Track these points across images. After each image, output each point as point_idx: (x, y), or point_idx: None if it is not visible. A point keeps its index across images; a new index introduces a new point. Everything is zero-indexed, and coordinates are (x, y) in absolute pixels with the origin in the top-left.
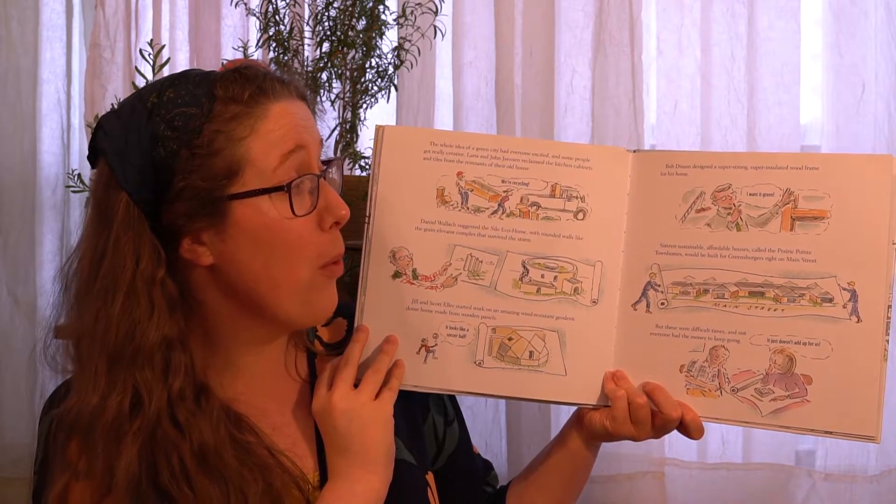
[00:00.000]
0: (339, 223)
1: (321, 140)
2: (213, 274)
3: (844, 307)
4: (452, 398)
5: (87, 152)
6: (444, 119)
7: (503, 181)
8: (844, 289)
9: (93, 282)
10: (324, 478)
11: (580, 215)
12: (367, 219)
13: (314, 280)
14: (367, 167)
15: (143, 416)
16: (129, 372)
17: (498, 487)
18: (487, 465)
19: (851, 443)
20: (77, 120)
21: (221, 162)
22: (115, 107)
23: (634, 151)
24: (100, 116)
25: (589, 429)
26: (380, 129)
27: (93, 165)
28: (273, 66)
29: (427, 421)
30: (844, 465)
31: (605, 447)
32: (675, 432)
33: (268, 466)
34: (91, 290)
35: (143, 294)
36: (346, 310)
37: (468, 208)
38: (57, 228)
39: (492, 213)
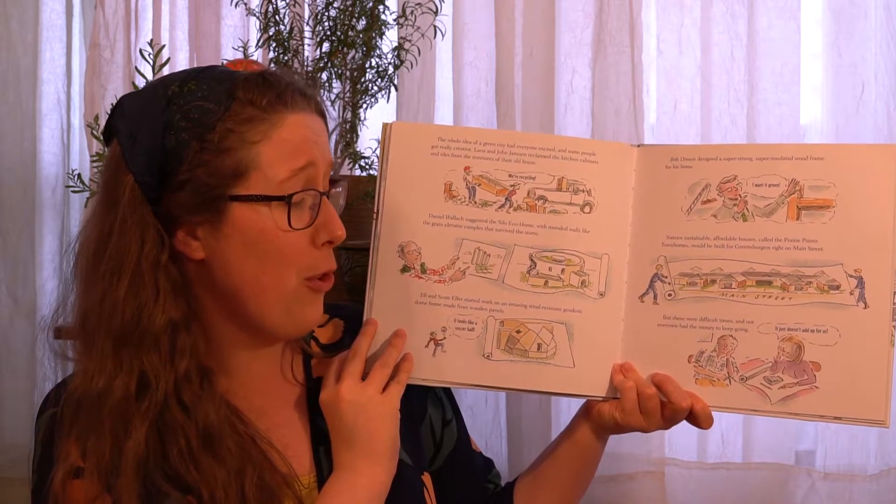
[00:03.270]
0: (333, 243)
1: (332, 161)
2: (202, 269)
3: (851, 294)
4: (450, 397)
5: (86, 152)
6: (444, 119)
7: (510, 175)
8: (851, 276)
9: (99, 262)
10: (319, 478)
11: (587, 208)
12: (375, 214)
13: (300, 291)
14: (367, 167)
15: (150, 398)
16: (135, 354)
17: (503, 485)
18: (488, 463)
19: (851, 442)
20: (77, 120)
21: (229, 161)
22: (138, 87)
23: (639, 146)
24: (117, 100)
25: (598, 421)
26: (387, 126)
27: (106, 143)
28: (273, 67)
29: (424, 422)
30: (844, 465)
31: (606, 447)
32: (677, 428)
33: (257, 461)
34: (97, 271)
35: (148, 277)
36: (343, 311)
37: (475, 202)
38: (57, 228)
39: (499, 207)
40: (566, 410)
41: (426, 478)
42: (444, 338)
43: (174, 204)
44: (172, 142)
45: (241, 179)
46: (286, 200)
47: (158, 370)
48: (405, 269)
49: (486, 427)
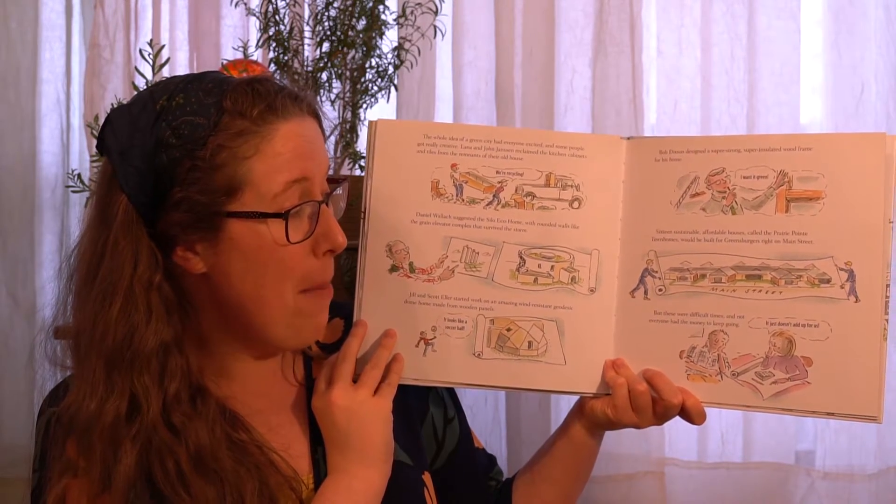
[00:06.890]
0: (334, 252)
1: (328, 162)
2: (204, 282)
3: (842, 287)
4: (453, 395)
5: (86, 152)
6: (444, 119)
7: (497, 172)
8: (842, 269)
9: (91, 282)
10: (317, 479)
11: (575, 204)
12: (362, 213)
13: (298, 304)
14: None
15: (140, 421)
16: (126, 376)
17: (503, 481)
18: (491, 460)
19: (850, 442)
20: (77, 120)
21: (222, 178)
22: (126, 101)
23: (629, 139)
24: (108, 111)
25: (591, 417)
26: (373, 124)
27: (101, 154)
28: (273, 67)
29: (426, 421)
30: (843, 465)
31: (605, 447)
32: (677, 428)
33: (261, 465)
34: (90, 291)
35: (140, 298)
36: (343, 310)
37: (463, 200)
38: (56, 229)
39: (487, 205)
40: (566, 410)
41: (426, 477)
42: (435, 337)
43: (169, 223)
44: (164, 160)
45: (235, 196)
46: (282, 217)
47: (149, 392)
48: (393, 269)
49: (485, 427)
